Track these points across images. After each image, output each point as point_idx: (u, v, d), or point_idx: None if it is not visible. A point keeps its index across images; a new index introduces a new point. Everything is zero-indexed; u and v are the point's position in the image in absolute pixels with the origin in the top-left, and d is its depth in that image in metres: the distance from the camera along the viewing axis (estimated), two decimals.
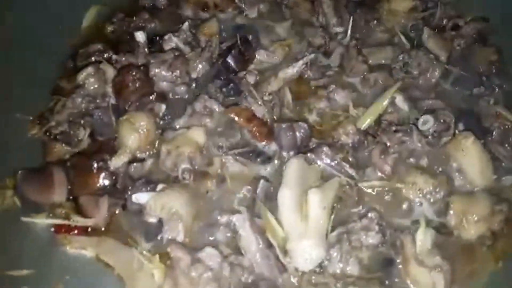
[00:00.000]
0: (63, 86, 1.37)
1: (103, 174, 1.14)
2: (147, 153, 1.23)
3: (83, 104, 1.27)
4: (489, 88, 1.31)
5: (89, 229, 1.07)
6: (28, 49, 1.37)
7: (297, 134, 1.21)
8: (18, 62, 1.34)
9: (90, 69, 1.27)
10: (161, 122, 1.28)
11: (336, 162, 1.16)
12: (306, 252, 0.99)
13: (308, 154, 1.17)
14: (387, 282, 1.01)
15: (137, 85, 1.24)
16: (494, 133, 1.20)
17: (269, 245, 1.03)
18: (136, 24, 1.52)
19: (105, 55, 1.35)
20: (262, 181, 1.13)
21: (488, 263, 1.06)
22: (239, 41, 1.37)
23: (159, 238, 1.06)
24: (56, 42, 1.46)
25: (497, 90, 1.30)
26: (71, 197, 1.12)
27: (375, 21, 1.54)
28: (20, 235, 1.04)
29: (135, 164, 1.20)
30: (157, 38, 1.44)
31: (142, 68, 1.28)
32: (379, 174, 1.17)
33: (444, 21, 1.51)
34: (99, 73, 1.28)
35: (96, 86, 1.28)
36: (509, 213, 1.09)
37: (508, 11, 1.48)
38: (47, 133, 1.24)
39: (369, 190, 1.15)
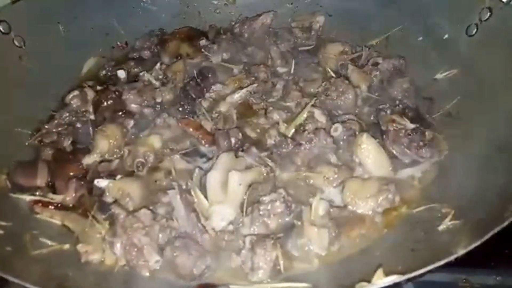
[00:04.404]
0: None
1: (76, 167, 1.46)
2: (115, 156, 1.55)
3: (67, 118, 1.61)
4: (392, 104, 1.60)
5: (60, 205, 1.37)
6: (35, 88, 1.70)
7: (232, 139, 1.51)
8: (26, 96, 1.68)
9: (75, 92, 1.63)
10: (129, 134, 1.60)
11: (259, 157, 1.45)
12: (220, 213, 1.25)
13: (240, 153, 1.47)
14: (288, 241, 1.24)
15: (110, 103, 1.60)
16: (389, 134, 1.46)
17: (195, 213, 1.29)
18: (122, 68, 1.92)
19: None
20: (197, 169, 1.42)
21: (375, 230, 1.27)
22: (196, 75, 1.76)
23: (111, 211, 1.33)
24: (59, 83, 1.82)
25: (400, 106, 1.59)
26: (50, 183, 1.43)
27: (314, 64, 1.90)
28: (8, 206, 1.34)
29: (103, 163, 1.52)
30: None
31: (116, 92, 1.64)
32: (295, 166, 1.45)
33: (368, 61, 1.85)
34: (82, 95, 1.63)
35: (79, 104, 1.63)
36: (396, 193, 1.32)
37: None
38: (40, 141, 1.58)
39: (285, 178, 1.41)
